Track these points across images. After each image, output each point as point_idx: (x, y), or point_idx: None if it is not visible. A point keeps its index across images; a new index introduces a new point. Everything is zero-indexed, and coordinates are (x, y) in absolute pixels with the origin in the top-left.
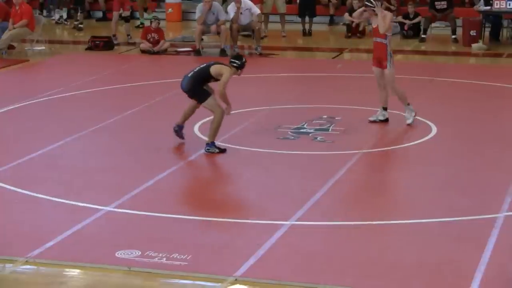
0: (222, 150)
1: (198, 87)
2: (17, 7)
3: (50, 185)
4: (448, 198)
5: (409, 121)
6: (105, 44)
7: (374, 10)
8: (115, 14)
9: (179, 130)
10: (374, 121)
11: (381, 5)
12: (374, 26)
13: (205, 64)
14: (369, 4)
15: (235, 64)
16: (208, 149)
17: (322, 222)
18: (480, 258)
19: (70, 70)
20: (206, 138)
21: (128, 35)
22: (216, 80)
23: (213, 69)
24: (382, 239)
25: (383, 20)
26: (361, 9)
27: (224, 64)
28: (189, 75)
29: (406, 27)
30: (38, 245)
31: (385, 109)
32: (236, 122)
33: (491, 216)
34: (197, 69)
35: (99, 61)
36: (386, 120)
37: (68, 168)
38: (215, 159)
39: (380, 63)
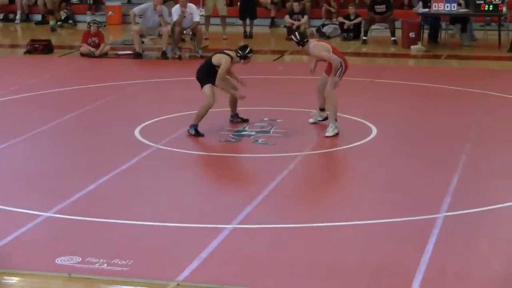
0: (200, 134)
1: (202, 75)
2: None
3: None
4: (390, 199)
5: (328, 134)
6: (44, 48)
7: (298, 45)
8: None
9: (235, 118)
10: (314, 123)
11: (305, 41)
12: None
13: (211, 54)
14: (293, 38)
15: (238, 54)
16: (188, 130)
17: (265, 224)
18: (421, 259)
19: (9, 74)
20: (146, 142)
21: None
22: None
23: (214, 59)
24: (325, 241)
25: (324, 57)
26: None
27: (227, 54)
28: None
29: (345, 26)
30: None
31: (322, 110)
32: (177, 125)
33: (431, 216)
34: (204, 60)
35: (38, 64)
36: (325, 119)
37: (7, 173)
38: (157, 162)
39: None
